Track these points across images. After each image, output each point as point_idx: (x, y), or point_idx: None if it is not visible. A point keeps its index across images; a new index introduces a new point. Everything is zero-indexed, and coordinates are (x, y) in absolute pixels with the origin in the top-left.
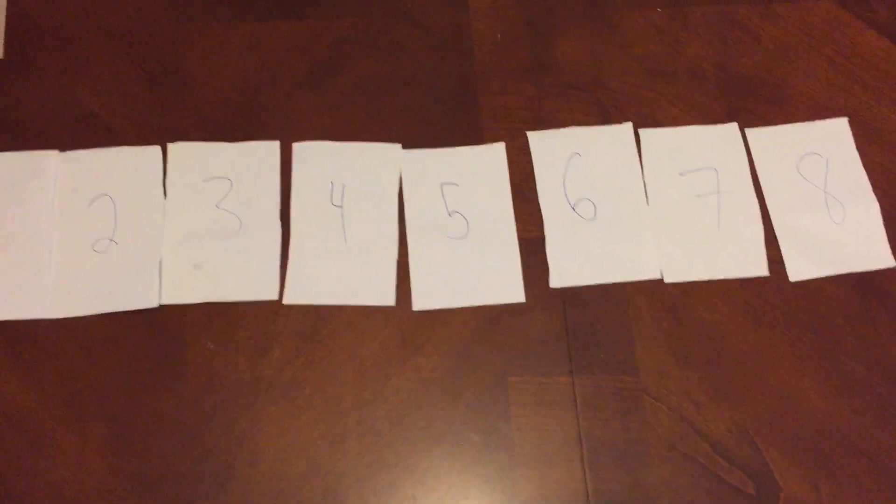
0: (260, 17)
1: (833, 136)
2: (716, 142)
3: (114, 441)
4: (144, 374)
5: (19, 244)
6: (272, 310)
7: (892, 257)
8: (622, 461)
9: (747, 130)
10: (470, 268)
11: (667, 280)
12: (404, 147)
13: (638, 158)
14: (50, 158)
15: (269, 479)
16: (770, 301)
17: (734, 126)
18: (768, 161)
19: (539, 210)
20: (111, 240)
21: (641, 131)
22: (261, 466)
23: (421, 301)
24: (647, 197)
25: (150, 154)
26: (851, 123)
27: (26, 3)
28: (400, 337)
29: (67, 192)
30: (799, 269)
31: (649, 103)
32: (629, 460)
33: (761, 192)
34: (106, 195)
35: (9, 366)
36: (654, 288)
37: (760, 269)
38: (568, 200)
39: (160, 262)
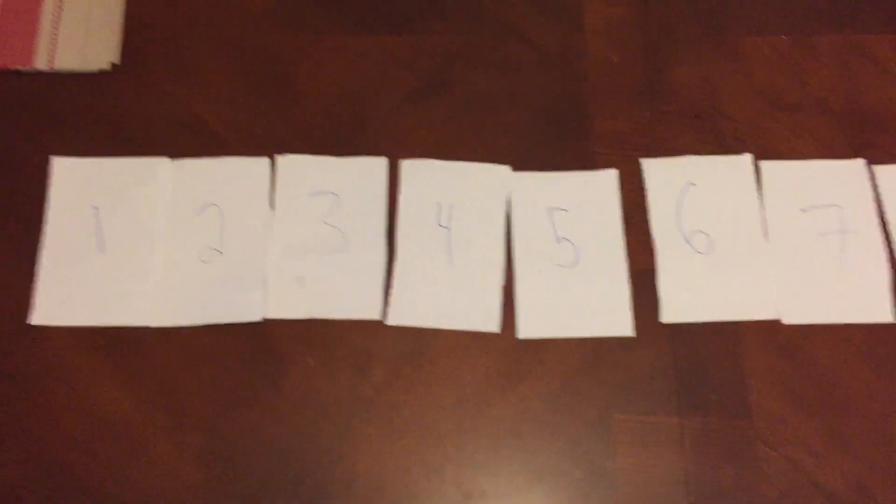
0: (370, 31)
1: None
2: (841, 178)
3: (210, 454)
4: (244, 387)
5: (127, 250)
6: (374, 329)
7: None
8: None
9: (875, 168)
10: (577, 298)
11: (785, 321)
12: (514, 169)
13: (757, 192)
14: (162, 165)
15: (365, 502)
16: (894, 348)
17: (861, 162)
18: None
19: (650, 240)
20: (217, 250)
21: (762, 163)
22: (357, 489)
23: (526, 329)
24: (765, 232)
25: (258, 165)
26: None
27: (143, 11)
28: (503, 365)
29: (176, 200)
30: None
31: (770, 134)
32: None
33: (888, 234)
34: (214, 205)
35: (110, 372)
36: (770, 328)
37: (885, 314)
38: (682, 232)
39: (265, 276)
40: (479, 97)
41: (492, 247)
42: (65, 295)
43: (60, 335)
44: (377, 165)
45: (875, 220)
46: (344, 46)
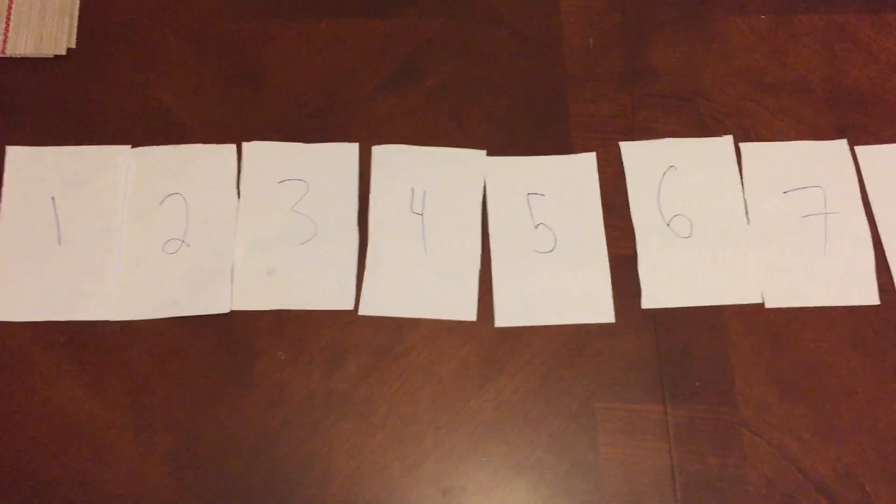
0: (342, 15)
1: None
2: (823, 159)
3: (179, 453)
4: (212, 383)
5: (87, 241)
6: (347, 320)
7: None
8: (718, 499)
9: (857, 148)
10: (556, 284)
11: (768, 305)
12: (489, 154)
13: (738, 174)
14: (122, 154)
15: (341, 501)
16: (880, 331)
17: (843, 143)
18: (880, 181)
19: (631, 225)
20: (182, 241)
21: (742, 145)
22: (331, 487)
23: (504, 317)
24: (747, 215)
25: (224, 153)
26: None
27: None
28: (481, 355)
29: (138, 189)
30: None
31: (751, 116)
32: (726, 498)
33: (872, 215)
34: (178, 194)
35: (73, 370)
36: (754, 313)
37: (870, 296)
38: (662, 216)
39: (232, 266)
40: (455, 83)
41: (467, 233)
42: (21, 289)
43: (19, 331)
44: (347, 151)
45: (858, 201)
46: (314, 31)
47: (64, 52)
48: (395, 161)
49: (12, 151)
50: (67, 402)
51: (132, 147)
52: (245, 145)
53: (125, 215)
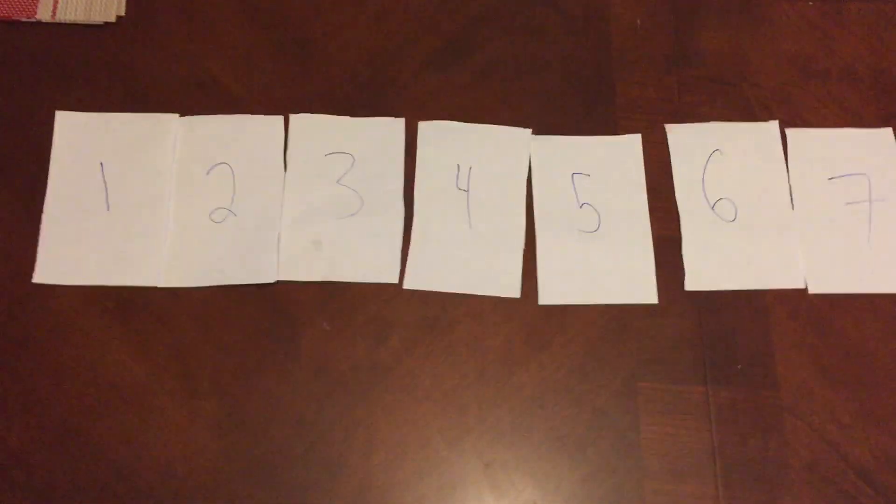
0: None
1: None
2: (869, 147)
3: (225, 420)
4: (258, 352)
5: (135, 209)
6: (392, 294)
7: None
8: (758, 481)
9: None
10: (600, 264)
11: (811, 291)
12: (535, 133)
13: (783, 160)
14: (170, 122)
15: (384, 472)
16: None
17: (889, 131)
18: None
19: (675, 207)
20: (229, 210)
21: (789, 131)
22: (375, 458)
23: (548, 296)
24: (792, 201)
25: (272, 124)
26: None
27: None
28: (524, 332)
29: (186, 158)
30: None
31: (797, 102)
32: (766, 481)
33: None
34: (225, 164)
35: (120, 334)
36: (798, 298)
37: None
38: (707, 199)
39: (278, 237)
40: (502, 60)
41: (512, 211)
42: (69, 253)
43: (68, 296)
44: (394, 126)
45: None
46: (363, 5)
47: (113, 20)
48: (441, 137)
49: (61, 116)
50: (115, 367)
51: (180, 116)
52: (292, 117)
53: (173, 183)
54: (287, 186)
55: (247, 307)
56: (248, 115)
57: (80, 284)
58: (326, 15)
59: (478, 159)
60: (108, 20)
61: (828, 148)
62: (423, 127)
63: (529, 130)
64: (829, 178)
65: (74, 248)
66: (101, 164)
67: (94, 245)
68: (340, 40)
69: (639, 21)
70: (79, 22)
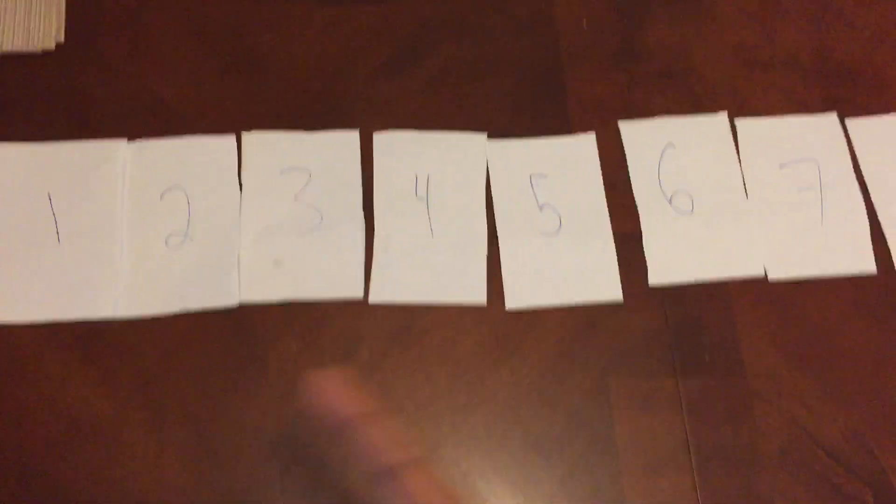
0: (340, 1)
1: None
2: (815, 132)
3: (195, 448)
4: (224, 376)
5: (88, 240)
6: (358, 309)
7: None
8: (733, 468)
9: (847, 121)
10: (564, 264)
11: (771, 277)
12: (490, 137)
13: (734, 150)
14: (118, 148)
15: (362, 490)
16: (881, 298)
17: (833, 116)
18: (870, 152)
19: (633, 203)
20: (185, 235)
21: (738, 121)
22: (352, 475)
23: (514, 300)
24: (746, 190)
25: (223, 144)
26: None
27: None
28: (493, 338)
29: (137, 184)
30: None
31: (744, 92)
32: (741, 467)
33: (865, 185)
34: (178, 187)
35: (81, 370)
36: (759, 285)
37: (867, 265)
38: (664, 193)
39: (238, 258)
40: (453, 66)
41: (473, 217)
42: (22, 290)
43: (23, 334)
44: (348, 138)
45: (851, 173)
46: (312, 17)
47: (53, 47)
48: (397, 147)
49: (3, 149)
50: (77, 402)
51: (129, 140)
52: (245, 136)
53: (125, 211)
54: (244, 206)
55: (210, 332)
56: (199, 136)
57: (35, 321)
58: (274, 29)
59: (435, 167)
60: (48, 48)
61: (776, 136)
62: (379, 138)
63: (485, 135)
64: (780, 165)
65: (27, 284)
66: (49, 195)
67: (48, 279)
68: (289, 54)
69: (585, 22)
70: (17, 51)
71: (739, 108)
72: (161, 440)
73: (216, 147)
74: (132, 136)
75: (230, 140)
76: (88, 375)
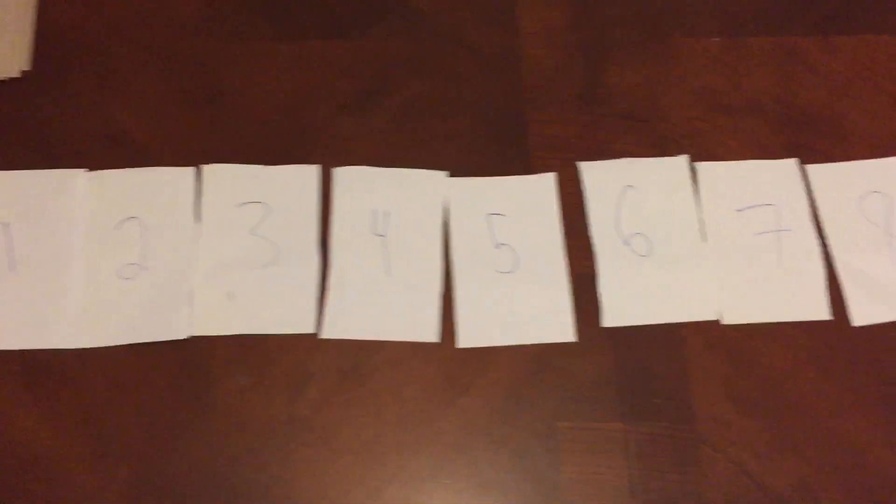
0: (303, 37)
1: None
2: (774, 178)
3: (138, 485)
4: (172, 411)
5: (42, 268)
6: (309, 344)
7: None
8: None
9: (807, 167)
10: (518, 304)
11: (725, 322)
12: (451, 175)
13: (694, 193)
14: (77, 177)
15: None
16: (834, 346)
17: (793, 162)
18: (829, 199)
19: (591, 244)
20: (139, 266)
21: (698, 165)
22: None
23: (467, 338)
24: (703, 233)
25: (181, 175)
26: None
27: (58, 15)
28: (444, 376)
29: (94, 214)
30: (863, 313)
31: (706, 136)
32: None
33: (822, 232)
34: (135, 218)
35: (27, 400)
36: (712, 330)
37: (822, 312)
38: (621, 235)
39: (191, 291)
40: (417, 104)
41: (430, 254)
42: None
43: None
44: (308, 173)
45: (809, 219)
46: (276, 53)
47: (18, 75)
48: (356, 183)
49: None
50: (21, 434)
51: (88, 170)
52: (205, 168)
53: (81, 241)
54: (200, 238)
55: (160, 365)
56: (158, 168)
57: None
58: (238, 63)
59: (395, 204)
60: (12, 76)
61: (736, 180)
62: (338, 173)
63: (445, 173)
64: (738, 210)
65: None
66: (6, 223)
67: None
68: (253, 89)
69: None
70: None
71: (701, 151)
72: (105, 475)
73: (174, 179)
74: (93, 166)
75: (188, 172)
76: (34, 407)
